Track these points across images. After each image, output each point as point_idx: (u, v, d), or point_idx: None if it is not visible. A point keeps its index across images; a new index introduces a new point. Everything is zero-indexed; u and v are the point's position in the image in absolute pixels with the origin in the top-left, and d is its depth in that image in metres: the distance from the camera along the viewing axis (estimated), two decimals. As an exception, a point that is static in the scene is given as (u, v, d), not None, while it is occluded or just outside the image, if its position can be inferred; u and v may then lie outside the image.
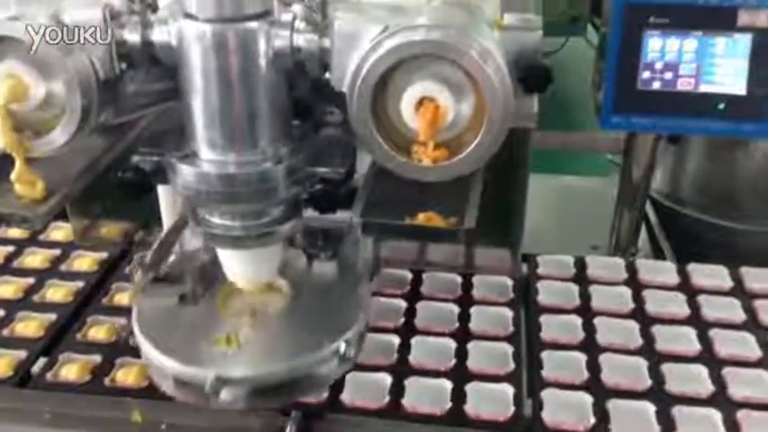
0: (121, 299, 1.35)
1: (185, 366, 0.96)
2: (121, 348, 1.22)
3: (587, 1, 3.48)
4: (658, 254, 1.59)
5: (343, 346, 0.98)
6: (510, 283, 1.36)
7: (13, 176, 0.89)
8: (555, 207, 1.72)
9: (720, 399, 1.14)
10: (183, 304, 1.05)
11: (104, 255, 1.46)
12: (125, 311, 1.26)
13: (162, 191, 1.14)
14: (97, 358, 1.21)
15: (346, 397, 1.13)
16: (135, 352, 1.09)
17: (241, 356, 0.97)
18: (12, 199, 0.90)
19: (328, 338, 0.98)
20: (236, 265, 1.00)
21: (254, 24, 0.83)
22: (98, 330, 1.27)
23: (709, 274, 1.40)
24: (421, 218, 0.88)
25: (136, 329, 1.02)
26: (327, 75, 0.84)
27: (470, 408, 1.11)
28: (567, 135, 1.93)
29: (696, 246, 1.63)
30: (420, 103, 0.81)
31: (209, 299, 1.06)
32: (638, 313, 1.31)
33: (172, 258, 1.10)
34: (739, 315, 1.30)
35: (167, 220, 1.19)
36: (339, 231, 1.11)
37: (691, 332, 1.26)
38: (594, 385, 1.16)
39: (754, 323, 1.29)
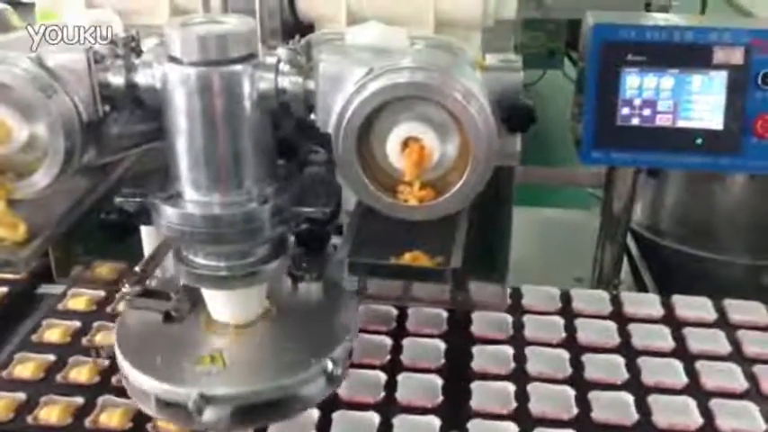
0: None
1: (168, 386, 0.93)
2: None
3: (564, 34, 3.55)
4: (640, 285, 1.60)
5: (330, 365, 0.96)
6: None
7: (-6, 220, 0.88)
8: (537, 240, 1.73)
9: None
10: (167, 323, 1.03)
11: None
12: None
13: (145, 232, 1.13)
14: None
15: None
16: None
17: (226, 375, 0.95)
18: (-8, 242, 0.89)
19: (315, 357, 0.96)
20: (221, 305, 0.99)
21: (238, 67, 0.84)
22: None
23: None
24: (407, 257, 0.88)
25: (116, 350, 0.99)
26: (312, 116, 0.85)
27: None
28: (548, 170, 1.95)
29: (676, 276, 1.64)
30: (405, 143, 0.81)
31: (193, 318, 1.03)
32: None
33: (155, 282, 1.09)
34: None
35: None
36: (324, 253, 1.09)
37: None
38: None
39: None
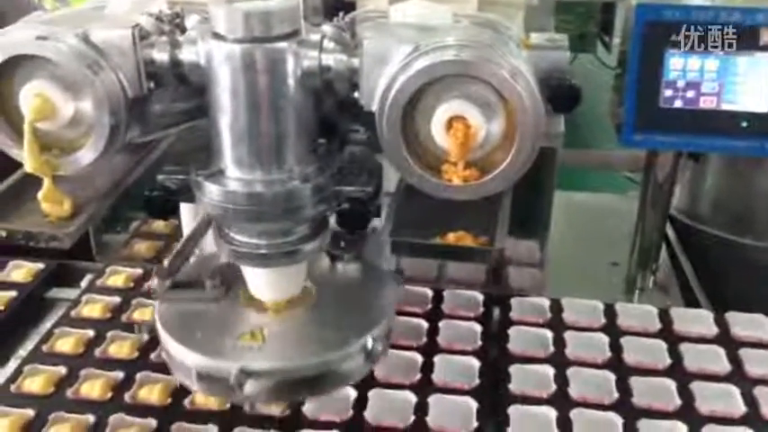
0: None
1: (209, 359, 0.93)
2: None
3: (598, 17, 3.49)
4: (678, 271, 1.58)
5: (370, 342, 0.96)
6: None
7: (40, 195, 0.89)
8: (573, 224, 1.71)
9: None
10: (206, 303, 1.03)
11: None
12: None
13: (184, 210, 1.13)
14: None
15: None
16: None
17: (266, 350, 0.95)
18: (38, 217, 0.90)
19: (354, 334, 0.96)
20: (261, 283, 0.99)
21: (282, 44, 0.83)
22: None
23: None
24: (451, 237, 0.88)
25: (158, 325, 1.00)
26: (356, 94, 0.84)
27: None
28: (585, 153, 1.93)
29: (715, 262, 1.62)
30: (450, 122, 0.80)
31: (232, 296, 1.03)
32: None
33: (192, 261, 1.09)
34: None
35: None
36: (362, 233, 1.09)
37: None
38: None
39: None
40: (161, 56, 0.86)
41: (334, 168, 0.92)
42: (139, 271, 1.47)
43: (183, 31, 0.88)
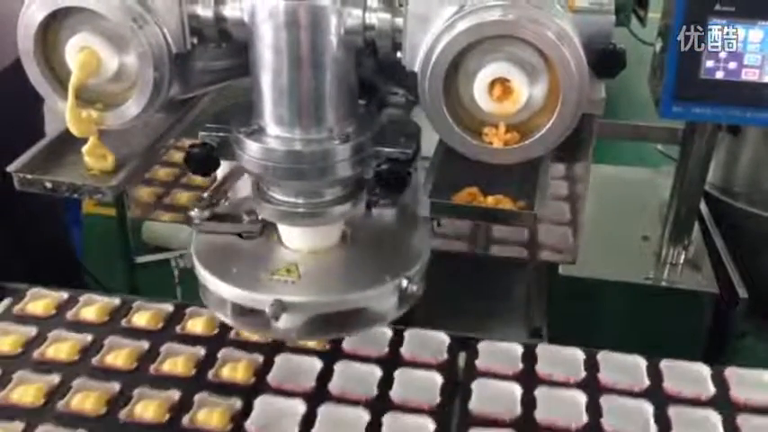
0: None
1: (245, 292, 0.94)
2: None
3: (634, -9, 3.42)
4: (710, 247, 1.56)
5: (404, 282, 0.96)
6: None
7: (84, 150, 0.90)
8: (605, 197, 1.69)
9: None
10: (242, 239, 1.04)
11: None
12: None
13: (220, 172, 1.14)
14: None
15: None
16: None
17: (302, 284, 0.96)
18: (81, 171, 0.92)
19: (390, 273, 0.96)
20: (297, 240, 1.00)
21: (326, 2, 0.83)
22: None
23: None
24: (490, 200, 0.88)
25: (194, 259, 1.01)
26: (399, 54, 0.84)
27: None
28: (618, 125, 1.91)
29: (749, 240, 1.60)
30: (493, 84, 0.80)
31: (268, 234, 1.03)
32: None
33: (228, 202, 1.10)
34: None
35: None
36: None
37: None
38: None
39: None
40: (205, 11, 0.86)
41: (373, 129, 0.92)
42: (65, 295, 1.34)
43: (227, -13, 0.88)
